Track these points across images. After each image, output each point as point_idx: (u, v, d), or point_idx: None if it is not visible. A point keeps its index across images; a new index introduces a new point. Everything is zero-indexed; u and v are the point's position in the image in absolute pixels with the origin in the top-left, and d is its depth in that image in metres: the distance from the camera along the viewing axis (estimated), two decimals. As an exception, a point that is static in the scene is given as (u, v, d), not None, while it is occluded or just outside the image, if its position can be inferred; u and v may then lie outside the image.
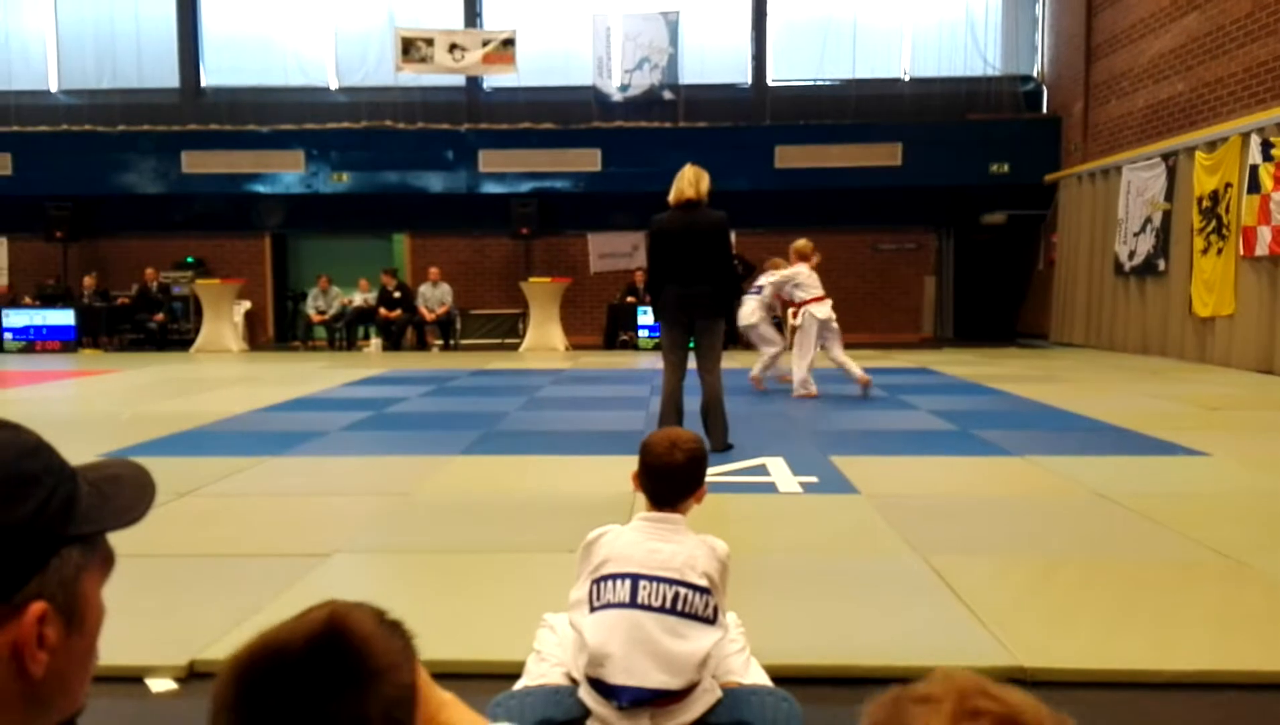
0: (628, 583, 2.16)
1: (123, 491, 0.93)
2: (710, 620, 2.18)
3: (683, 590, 2.15)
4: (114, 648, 2.60)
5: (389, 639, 0.83)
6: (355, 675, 0.80)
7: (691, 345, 5.77)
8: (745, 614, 2.53)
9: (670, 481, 2.30)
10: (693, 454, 2.32)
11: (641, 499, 2.38)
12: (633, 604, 2.14)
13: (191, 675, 2.54)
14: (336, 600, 0.86)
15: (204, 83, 17.06)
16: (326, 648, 0.80)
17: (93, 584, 0.89)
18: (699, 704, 2.15)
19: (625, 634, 2.11)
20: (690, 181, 5.60)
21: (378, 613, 0.86)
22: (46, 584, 0.83)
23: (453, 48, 15.90)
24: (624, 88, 16.47)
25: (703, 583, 2.18)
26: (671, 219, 5.61)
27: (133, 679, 2.50)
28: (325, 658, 0.79)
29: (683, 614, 2.14)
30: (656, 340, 14.82)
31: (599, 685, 2.13)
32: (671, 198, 5.65)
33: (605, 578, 2.20)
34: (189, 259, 16.75)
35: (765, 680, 2.31)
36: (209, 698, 0.82)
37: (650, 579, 2.16)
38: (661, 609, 2.13)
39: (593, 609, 2.19)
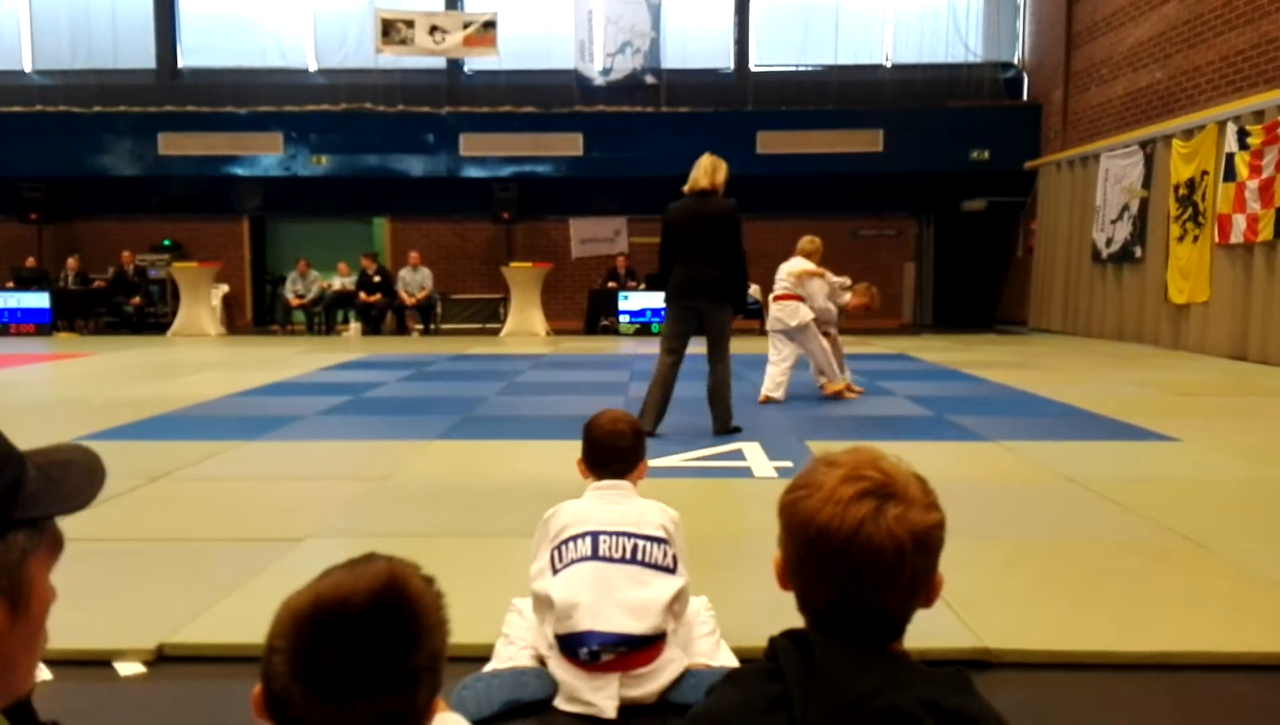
0: (588, 539, 2.27)
1: (71, 476, 0.93)
2: (670, 569, 2.27)
3: (640, 542, 2.26)
4: (82, 631, 2.62)
5: (435, 597, 0.92)
6: (412, 632, 0.88)
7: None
8: (716, 597, 2.56)
9: (617, 455, 2.45)
10: (636, 428, 2.52)
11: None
12: (595, 557, 2.24)
13: (160, 659, 2.53)
14: (389, 556, 0.93)
15: (181, 63, 16.87)
16: (388, 605, 0.87)
17: (40, 568, 0.89)
18: (666, 672, 2.18)
19: (591, 584, 2.20)
20: (706, 171, 5.64)
21: (420, 570, 0.94)
22: None
23: (433, 30, 15.78)
24: (606, 71, 16.40)
25: (659, 533, 2.29)
26: (682, 206, 5.67)
27: (101, 662, 2.49)
28: (387, 614, 0.87)
29: (643, 563, 2.24)
30: (637, 326, 14.87)
31: (568, 640, 2.17)
32: (687, 187, 5.69)
33: (566, 540, 2.29)
34: (166, 242, 16.61)
35: (734, 663, 2.34)
36: (266, 638, 0.88)
37: (609, 534, 2.27)
38: (623, 560, 2.24)
39: (556, 572, 2.26)
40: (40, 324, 14.93)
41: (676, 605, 2.25)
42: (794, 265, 7.40)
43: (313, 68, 16.85)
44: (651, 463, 4.82)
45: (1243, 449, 5.34)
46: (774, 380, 7.25)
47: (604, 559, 2.23)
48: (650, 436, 5.63)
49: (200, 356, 11.34)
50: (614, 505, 2.35)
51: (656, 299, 14.74)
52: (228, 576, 3.07)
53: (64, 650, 2.43)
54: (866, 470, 1.08)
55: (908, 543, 1.04)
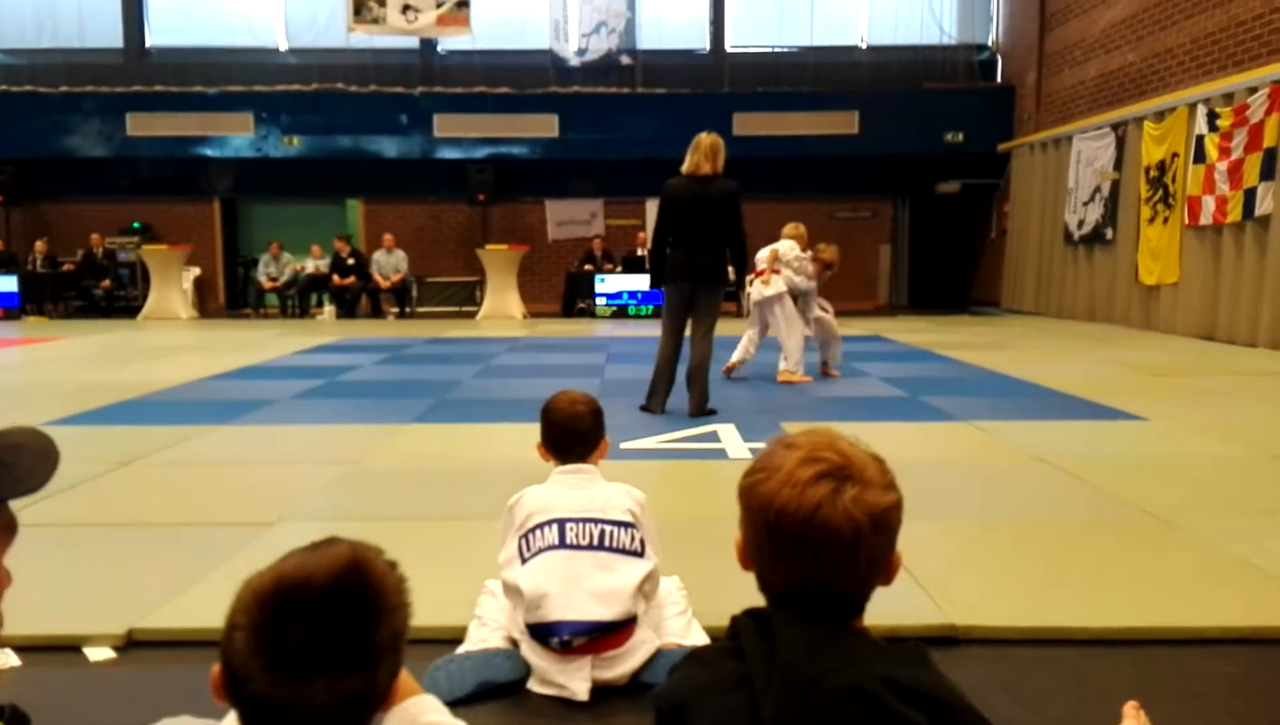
0: (555, 527, 2.26)
1: (23, 460, 0.93)
2: (638, 553, 2.28)
3: (608, 527, 2.26)
4: (52, 616, 2.60)
5: (397, 580, 0.94)
6: (373, 610, 0.90)
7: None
8: (689, 577, 2.57)
9: (578, 437, 2.41)
10: (593, 408, 2.46)
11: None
12: (562, 545, 2.23)
13: (130, 644, 2.52)
14: (352, 540, 0.94)
15: (149, 43, 16.59)
16: (350, 585, 0.89)
17: (-7, 552, 0.89)
18: (638, 654, 2.20)
19: (559, 573, 2.19)
20: (707, 155, 5.57)
21: (383, 553, 0.96)
22: None
23: (406, 8, 15.60)
24: (581, 52, 16.29)
25: (626, 518, 2.29)
26: (683, 187, 5.62)
27: (70, 648, 2.48)
28: (349, 594, 0.88)
29: (611, 549, 2.24)
30: (614, 308, 14.85)
31: (539, 629, 2.17)
32: (686, 168, 5.61)
33: (533, 528, 2.28)
34: (135, 224, 16.38)
35: (706, 642, 2.36)
36: (227, 616, 0.89)
37: (575, 520, 2.26)
38: (590, 546, 2.23)
39: (524, 561, 2.25)
40: (9, 308, 14.72)
41: (647, 586, 2.26)
42: (775, 246, 7.55)
43: (283, 47, 16.62)
44: (627, 444, 4.87)
45: (1210, 427, 5.42)
46: (743, 349, 7.56)
47: (571, 547, 2.22)
48: (660, 414, 5.73)
49: (172, 340, 11.22)
50: (579, 491, 2.33)
51: (633, 282, 14.74)
52: (199, 561, 3.06)
53: (33, 636, 2.42)
54: (824, 452, 1.09)
55: (865, 524, 1.05)
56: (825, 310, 7.77)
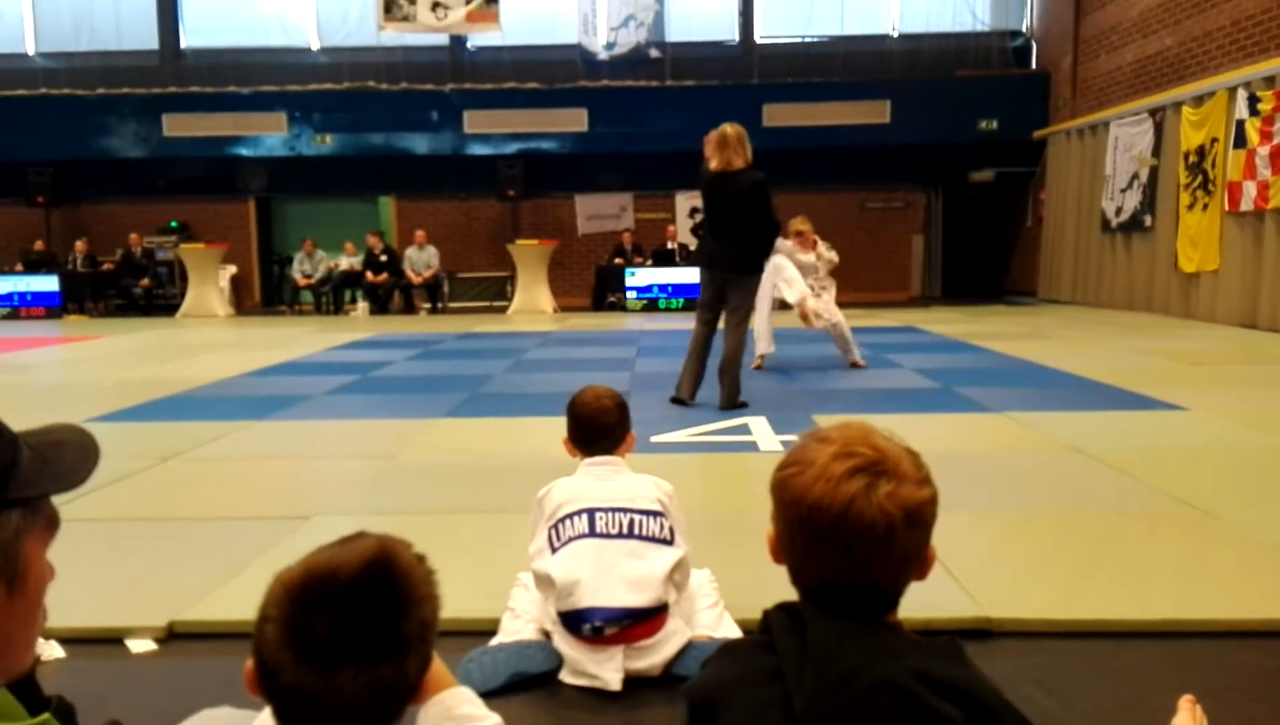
0: (585, 516, 2.28)
1: (66, 456, 0.95)
2: (668, 541, 2.29)
3: (636, 516, 2.27)
4: (95, 609, 2.65)
5: (425, 572, 0.94)
6: (401, 602, 0.90)
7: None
8: (721, 570, 2.57)
9: (604, 431, 2.43)
10: (620, 402, 2.49)
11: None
12: (592, 534, 2.25)
13: (171, 636, 2.57)
14: (382, 534, 0.95)
15: (183, 44, 16.81)
16: (377, 576, 0.90)
17: (35, 547, 0.91)
18: (670, 644, 2.21)
19: (590, 560, 2.21)
20: (736, 150, 5.59)
21: (411, 546, 0.97)
22: None
23: (435, 6, 15.67)
24: (610, 46, 16.28)
25: (654, 507, 2.30)
26: (713, 178, 5.69)
27: (113, 640, 2.53)
28: (376, 584, 0.89)
29: (641, 537, 2.26)
30: (644, 302, 14.86)
31: (571, 617, 2.18)
32: (717, 166, 5.62)
33: (563, 518, 2.29)
34: (173, 223, 16.62)
35: (738, 635, 2.36)
36: (259, 610, 0.91)
37: (605, 510, 2.28)
38: (620, 535, 2.25)
39: (555, 551, 2.27)
40: (50, 307, 15.00)
41: (677, 575, 2.27)
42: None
43: (315, 46, 16.77)
44: (658, 438, 4.87)
45: (1250, 418, 5.32)
46: (766, 340, 7.54)
47: (601, 535, 2.24)
48: (688, 405, 5.73)
49: (209, 337, 11.39)
50: (607, 482, 2.35)
51: (664, 275, 14.74)
52: (237, 554, 3.11)
53: (76, 628, 2.47)
54: (858, 447, 1.07)
55: (899, 519, 1.04)
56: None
